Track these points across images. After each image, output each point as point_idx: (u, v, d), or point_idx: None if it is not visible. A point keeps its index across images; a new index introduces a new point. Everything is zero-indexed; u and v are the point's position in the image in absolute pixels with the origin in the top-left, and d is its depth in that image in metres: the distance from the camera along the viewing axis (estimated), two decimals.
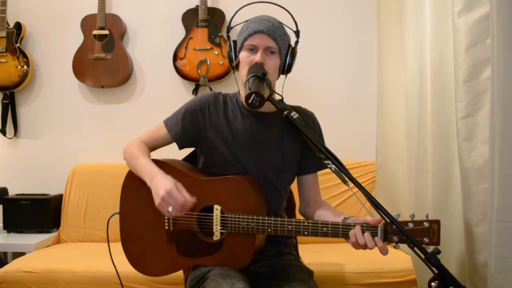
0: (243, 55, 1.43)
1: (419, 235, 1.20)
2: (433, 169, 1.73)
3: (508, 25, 1.23)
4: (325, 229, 1.28)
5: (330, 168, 1.24)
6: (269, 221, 1.32)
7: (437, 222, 1.21)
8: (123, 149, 1.52)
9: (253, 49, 1.41)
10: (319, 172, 1.58)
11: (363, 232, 1.23)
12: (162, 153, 1.55)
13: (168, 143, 1.52)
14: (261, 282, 1.42)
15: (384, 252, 1.22)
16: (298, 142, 1.50)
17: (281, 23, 1.46)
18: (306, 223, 1.30)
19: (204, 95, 1.53)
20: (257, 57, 1.39)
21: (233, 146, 1.46)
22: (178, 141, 1.50)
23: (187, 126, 1.48)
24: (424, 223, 1.21)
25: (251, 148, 1.46)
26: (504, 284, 1.29)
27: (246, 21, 1.47)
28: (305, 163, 1.53)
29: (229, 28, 1.51)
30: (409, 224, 1.21)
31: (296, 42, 1.49)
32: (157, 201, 1.30)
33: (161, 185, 1.30)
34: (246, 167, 1.45)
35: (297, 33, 1.50)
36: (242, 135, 1.46)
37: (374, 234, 1.23)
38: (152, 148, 1.53)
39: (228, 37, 1.50)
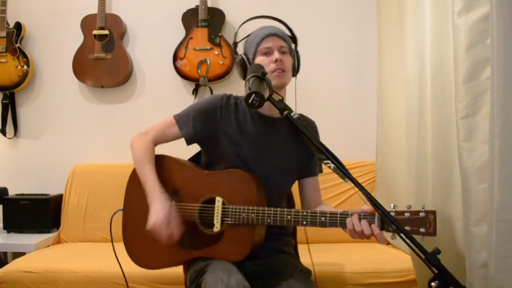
0: (260, 60, 1.46)
1: (415, 225, 1.22)
2: (433, 169, 1.73)
3: (508, 25, 1.23)
4: (323, 218, 1.30)
5: (329, 167, 1.25)
6: (268, 212, 1.36)
7: (433, 213, 1.23)
8: (131, 142, 1.53)
9: (267, 52, 1.46)
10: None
11: (360, 220, 1.24)
12: (166, 152, 1.55)
13: (177, 139, 1.54)
14: (258, 281, 1.42)
15: (380, 239, 1.23)
16: (302, 146, 1.51)
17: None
18: (304, 213, 1.33)
19: (216, 96, 1.55)
20: (276, 55, 1.44)
21: (241, 148, 1.48)
22: (188, 139, 1.52)
23: (198, 126, 1.50)
24: (420, 213, 1.22)
25: (258, 151, 1.48)
26: (504, 284, 1.29)
27: (248, 35, 1.52)
28: (307, 166, 1.57)
29: (235, 44, 1.57)
30: (405, 213, 1.23)
31: (295, 47, 1.56)
32: (147, 226, 1.38)
33: (154, 214, 1.37)
34: (251, 168, 1.47)
35: (294, 38, 1.55)
36: (252, 138, 1.49)
37: (371, 223, 1.24)
38: (160, 143, 1.54)
39: (236, 52, 1.55)
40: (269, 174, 1.47)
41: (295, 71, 1.54)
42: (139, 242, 1.50)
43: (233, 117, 1.50)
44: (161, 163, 1.49)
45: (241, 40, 1.55)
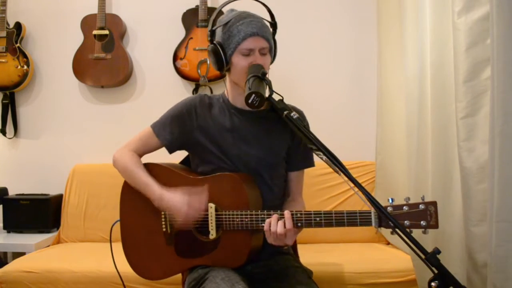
0: (239, 60, 1.39)
1: (415, 219, 1.17)
2: (433, 169, 1.73)
3: (508, 25, 1.23)
4: (318, 218, 1.28)
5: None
6: (262, 215, 1.33)
7: (434, 204, 1.17)
8: (113, 158, 1.52)
9: (248, 54, 1.38)
10: (320, 172, 1.58)
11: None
12: (157, 158, 1.54)
13: (158, 148, 1.52)
14: (259, 283, 1.41)
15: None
16: (286, 138, 1.50)
17: (261, 18, 1.44)
18: (299, 215, 1.29)
19: (189, 98, 1.53)
20: (258, 60, 1.38)
21: (222, 145, 1.46)
22: (167, 145, 1.50)
23: (175, 130, 1.48)
24: (420, 206, 1.17)
25: (239, 145, 1.46)
26: (504, 284, 1.29)
27: (228, 22, 1.40)
28: (292, 160, 1.54)
29: (213, 32, 1.42)
30: (404, 207, 1.18)
31: (274, 33, 1.47)
32: (181, 218, 1.37)
33: (176, 204, 1.36)
34: (236, 165, 1.45)
35: (274, 25, 1.47)
36: (231, 134, 1.46)
37: (367, 221, 1.22)
38: (142, 154, 1.53)
39: (211, 40, 1.42)
40: (255, 169, 1.45)
41: (271, 61, 1.48)
42: (140, 254, 1.48)
43: (209, 115, 1.48)
44: (149, 172, 1.47)
45: (218, 27, 1.43)
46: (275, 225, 1.27)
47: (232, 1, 1.45)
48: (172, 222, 1.44)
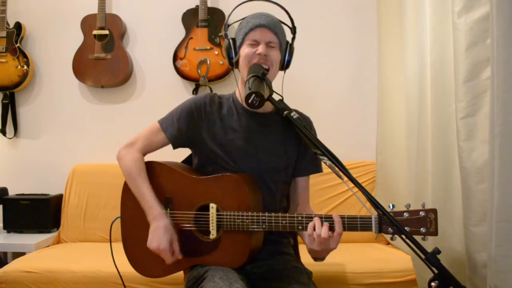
0: (245, 51, 1.42)
1: (415, 225, 1.18)
2: (433, 169, 1.73)
3: (508, 25, 1.23)
4: None
5: (325, 162, 1.24)
6: (263, 217, 1.33)
7: (434, 211, 1.18)
8: (118, 155, 1.51)
9: (254, 44, 1.41)
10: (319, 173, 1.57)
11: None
12: (160, 155, 1.54)
13: (164, 145, 1.51)
14: (259, 282, 1.41)
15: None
16: (294, 143, 1.50)
17: (279, 20, 1.47)
18: (300, 218, 1.30)
19: (199, 96, 1.52)
20: (260, 49, 1.39)
21: (227, 146, 1.45)
22: (173, 141, 1.49)
23: (182, 127, 1.48)
24: (420, 213, 1.18)
25: (245, 147, 1.45)
26: (504, 284, 1.29)
27: (244, 18, 1.46)
28: (299, 165, 1.53)
29: (226, 26, 1.50)
30: (404, 214, 1.19)
31: (293, 39, 1.49)
32: (149, 245, 1.39)
33: (158, 237, 1.37)
34: (240, 166, 1.45)
35: (293, 29, 1.49)
36: (237, 135, 1.46)
37: (367, 226, 1.22)
38: (148, 152, 1.52)
39: (226, 34, 1.48)
40: (260, 173, 1.45)
41: (284, 66, 1.47)
42: (140, 252, 1.48)
43: (217, 114, 1.48)
44: (152, 171, 1.47)
45: (234, 23, 1.49)
46: (320, 228, 1.23)
47: (244, 2, 1.47)
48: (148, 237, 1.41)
